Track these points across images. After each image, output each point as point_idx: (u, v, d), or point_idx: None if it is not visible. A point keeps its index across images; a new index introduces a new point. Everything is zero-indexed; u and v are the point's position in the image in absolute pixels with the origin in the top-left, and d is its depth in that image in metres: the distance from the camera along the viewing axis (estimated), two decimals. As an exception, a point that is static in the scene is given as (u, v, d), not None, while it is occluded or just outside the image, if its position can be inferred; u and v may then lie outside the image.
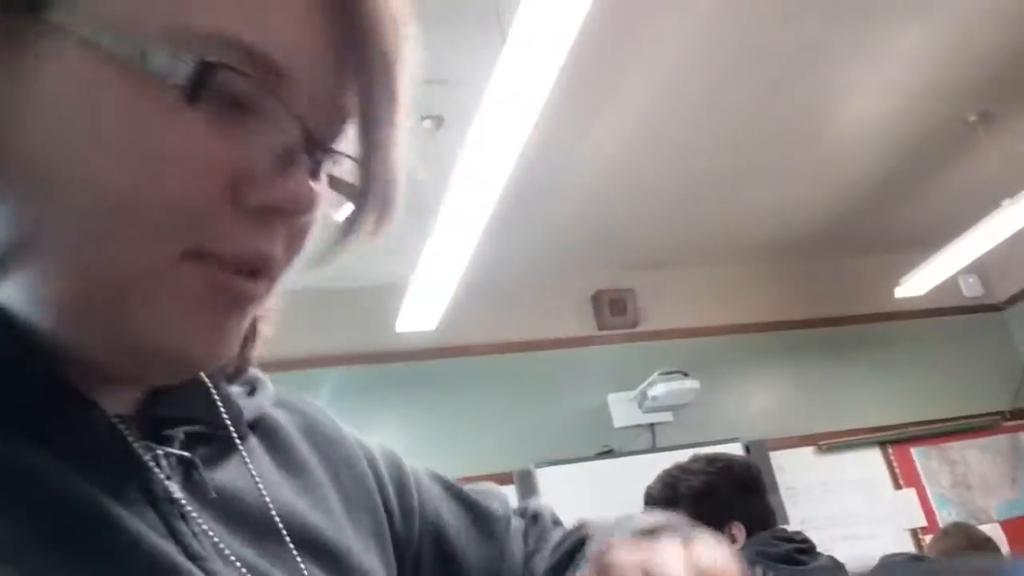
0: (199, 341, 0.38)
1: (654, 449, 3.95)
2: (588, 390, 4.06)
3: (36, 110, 0.35)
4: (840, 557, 1.81)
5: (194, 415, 0.44)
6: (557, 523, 0.67)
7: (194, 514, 0.40)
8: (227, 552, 0.41)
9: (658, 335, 4.30)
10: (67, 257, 0.35)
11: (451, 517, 0.60)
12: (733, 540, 1.76)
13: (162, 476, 0.40)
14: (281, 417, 0.53)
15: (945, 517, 4.16)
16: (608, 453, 3.93)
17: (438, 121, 2.87)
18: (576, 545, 0.60)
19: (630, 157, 3.43)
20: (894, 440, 4.39)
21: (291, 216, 0.38)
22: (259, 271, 0.39)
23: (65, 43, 0.34)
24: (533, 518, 0.66)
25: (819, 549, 1.77)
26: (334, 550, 0.49)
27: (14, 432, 0.35)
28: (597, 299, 4.29)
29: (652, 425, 4.03)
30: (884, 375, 4.50)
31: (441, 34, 2.39)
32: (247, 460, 0.47)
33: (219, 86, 0.35)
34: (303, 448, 0.52)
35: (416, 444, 3.69)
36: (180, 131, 0.35)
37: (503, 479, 3.75)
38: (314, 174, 0.39)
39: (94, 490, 0.36)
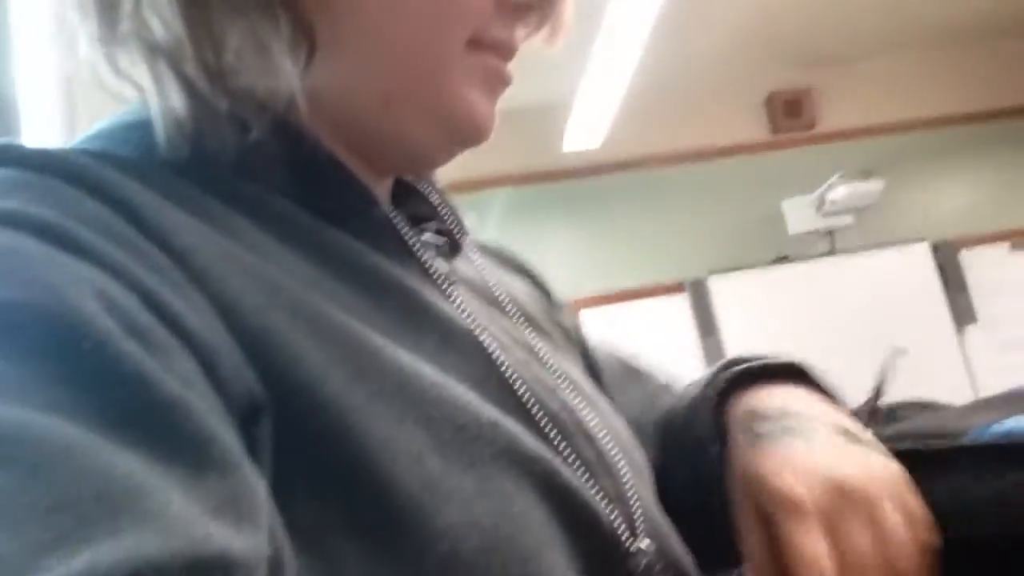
0: (487, 117, 0.47)
1: (832, 253, 3.84)
2: (761, 197, 3.92)
3: None
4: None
5: (433, 216, 0.52)
6: None
7: (457, 296, 0.47)
8: (486, 325, 0.47)
9: (838, 136, 4.06)
10: (386, 48, 0.44)
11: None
12: None
13: (426, 258, 0.48)
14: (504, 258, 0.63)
15: None
16: (784, 259, 3.85)
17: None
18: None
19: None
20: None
21: (541, 11, 0.48)
22: (510, 61, 0.48)
23: None
24: None
25: (1015, 348, 1.76)
26: (564, 346, 0.57)
27: (323, 216, 0.43)
28: (770, 102, 4.07)
29: (831, 230, 3.88)
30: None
31: None
32: (473, 259, 0.55)
33: None
34: (503, 271, 0.60)
35: (586, 260, 3.74)
36: None
37: (674, 289, 3.78)
38: None
39: (388, 263, 0.44)
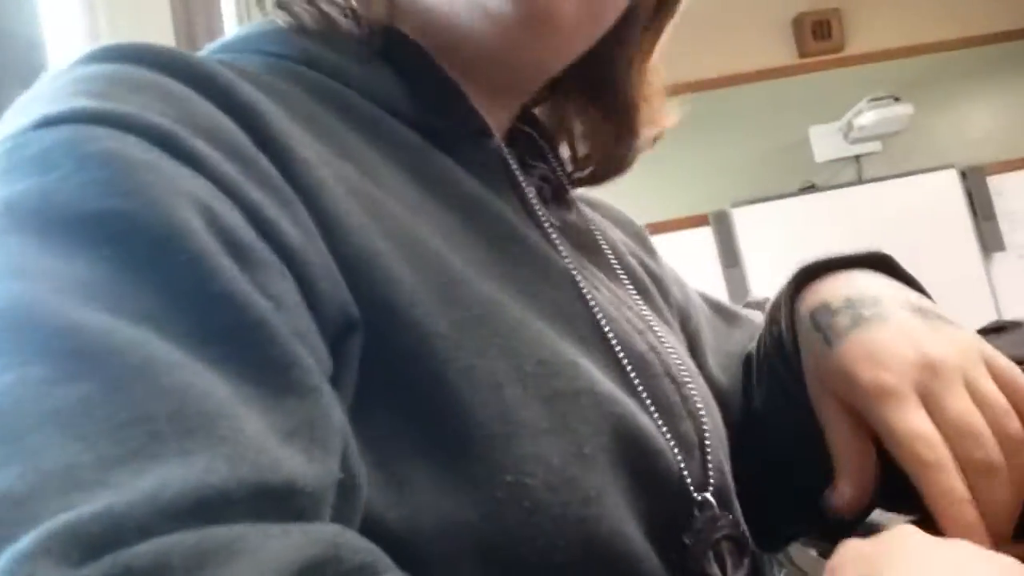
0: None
1: (860, 182, 3.77)
2: (787, 124, 3.84)
3: None
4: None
5: (542, 160, 0.53)
6: None
7: (555, 236, 0.48)
8: (581, 266, 0.48)
9: (866, 59, 3.94)
10: None
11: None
12: None
13: (530, 195, 0.48)
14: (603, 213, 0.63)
15: None
16: (810, 188, 3.78)
17: None
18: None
19: None
20: None
21: None
22: None
23: None
24: None
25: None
26: (655, 293, 0.57)
27: (435, 142, 0.44)
28: (798, 23, 3.95)
29: (858, 157, 3.81)
30: None
31: None
32: (576, 206, 0.55)
33: None
34: (616, 236, 0.60)
35: (605, 191, 3.69)
36: None
37: (697, 221, 3.73)
38: None
39: (491, 194, 0.45)
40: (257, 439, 0.25)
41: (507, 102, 0.51)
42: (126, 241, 0.28)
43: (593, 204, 0.63)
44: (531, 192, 0.48)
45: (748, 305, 0.68)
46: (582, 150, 0.59)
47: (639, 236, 0.65)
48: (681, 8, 0.58)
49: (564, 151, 0.58)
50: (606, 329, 0.44)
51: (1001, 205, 3.82)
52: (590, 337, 0.44)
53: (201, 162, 0.32)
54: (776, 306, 0.55)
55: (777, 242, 3.65)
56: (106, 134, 0.31)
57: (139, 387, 0.25)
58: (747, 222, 3.71)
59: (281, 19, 0.44)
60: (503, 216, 0.44)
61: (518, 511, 0.35)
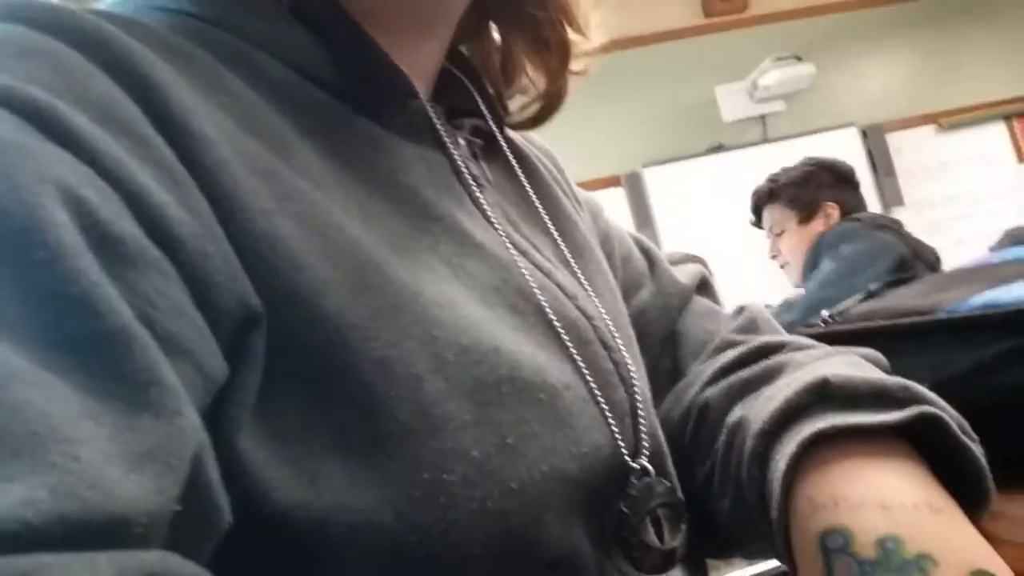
0: None
1: (766, 140, 3.85)
2: (694, 84, 3.89)
3: None
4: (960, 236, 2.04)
5: (472, 109, 0.50)
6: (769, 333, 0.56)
7: (483, 196, 0.46)
8: (511, 230, 0.46)
9: (771, 18, 4.01)
10: None
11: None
12: (828, 219, 2.01)
13: (458, 157, 0.46)
14: (528, 147, 0.57)
15: (1071, 186, 4.00)
16: (718, 148, 3.85)
17: None
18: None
19: None
20: (1020, 113, 4.15)
21: None
22: None
23: None
24: (740, 311, 0.59)
25: (940, 230, 2.01)
26: (591, 251, 0.53)
27: (354, 106, 0.42)
28: (703, -16, 4.00)
29: (763, 116, 3.89)
30: (1015, 43, 4.16)
31: None
32: (511, 158, 0.52)
33: None
34: (548, 176, 0.56)
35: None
36: None
37: (610, 182, 3.76)
38: None
39: (413, 162, 0.43)
40: (93, 467, 0.23)
41: (428, 43, 0.48)
42: None
43: (525, 138, 0.59)
44: (462, 152, 0.46)
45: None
46: (515, 87, 0.56)
47: (557, 166, 0.62)
48: None
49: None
50: (539, 297, 0.43)
51: (900, 162, 3.95)
52: (521, 306, 0.42)
53: (80, 142, 0.29)
54: (762, 455, 0.42)
55: (688, 202, 3.71)
56: None
57: None
58: (658, 182, 3.75)
59: None
60: (425, 188, 0.42)
61: (434, 508, 0.33)
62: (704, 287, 0.64)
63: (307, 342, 0.33)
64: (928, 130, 4.08)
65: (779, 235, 2.10)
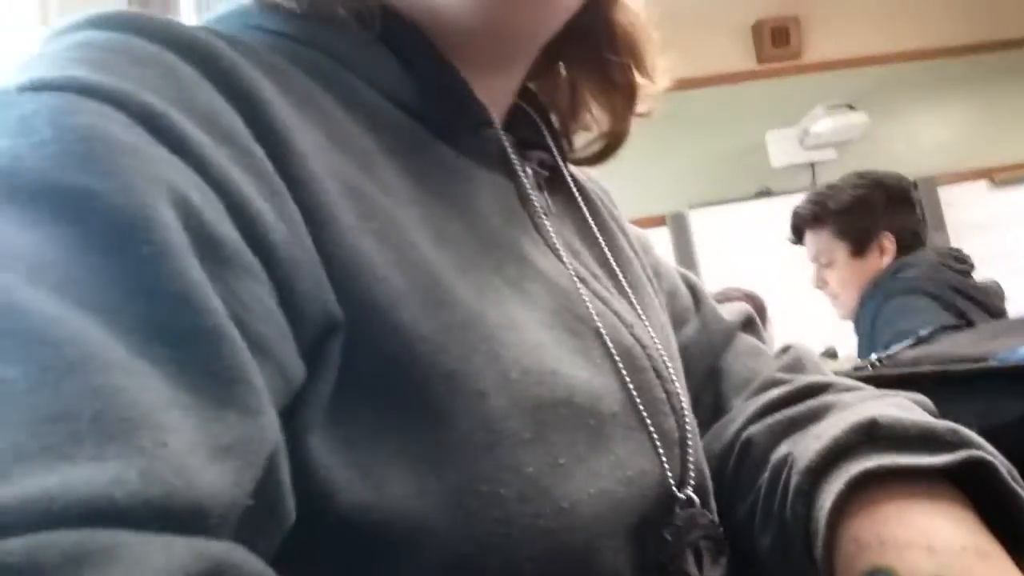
0: None
1: (815, 188, 3.82)
2: (745, 129, 3.88)
3: None
4: (1011, 292, 1.78)
5: (542, 144, 0.52)
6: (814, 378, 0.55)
7: (548, 223, 0.48)
8: (572, 258, 0.48)
9: (824, 66, 4.00)
10: None
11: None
12: (883, 251, 1.74)
13: (527, 185, 0.48)
14: (587, 183, 0.59)
15: None
16: (765, 193, 3.83)
17: None
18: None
19: None
20: (1079, 170, 4.08)
21: None
22: None
23: None
24: (784, 351, 0.59)
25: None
26: (644, 284, 0.54)
27: (433, 130, 0.44)
28: (758, 29, 3.99)
29: (813, 164, 3.86)
30: (1072, 101, 4.10)
31: None
32: (574, 190, 0.54)
33: None
34: (605, 211, 0.57)
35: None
36: None
37: (655, 222, 3.75)
38: None
39: (486, 189, 0.45)
40: (179, 455, 0.24)
41: (504, 79, 0.50)
42: (90, 222, 0.27)
43: (582, 180, 0.60)
44: (528, 182, 0.48)
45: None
46: (579, 124, 0.58)
47: (612, 202, 0.63)
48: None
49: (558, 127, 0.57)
50: (596, 322, 0.44)
51: (951, 216, 3.90)
52: (580, 330, 0.43)
53: (189, 148, 0.30)
54: (808, 493, 0.42)
55: (732, 245, 3.69)
56: (94, 108, 0.29)
57: (69, 382, 0.23)
58: (703, 224, 3.74)
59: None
60: (493, 213, 0.44)
61: (489, 521, 0.34)
62: (749, 325, 0.64)
63: (380, 352, 0.34)
64: (981, 185, 4.03)
65: (826, 265, 1.86)
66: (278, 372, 0.30)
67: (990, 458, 0.40)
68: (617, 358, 0.43)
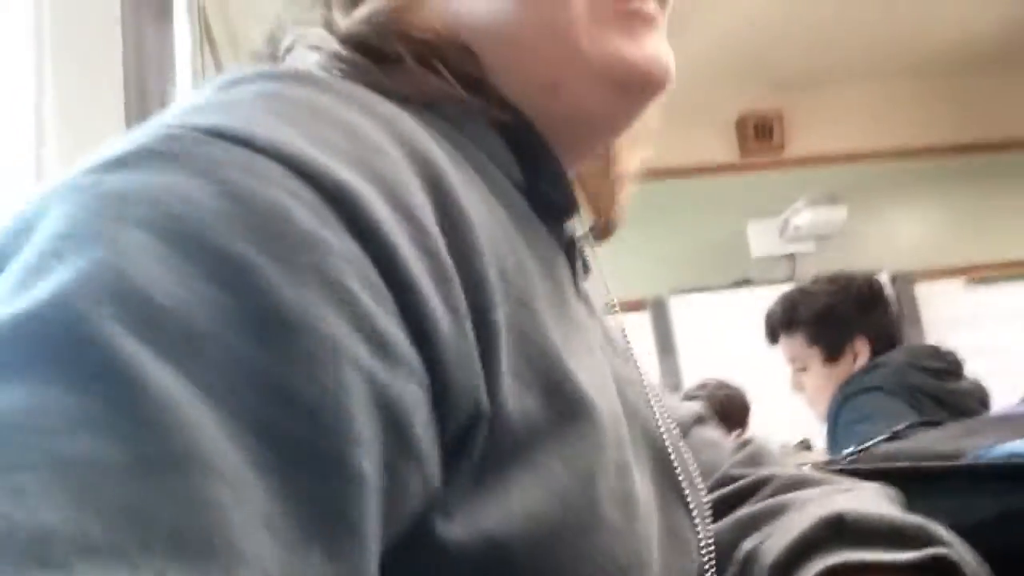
0: (644, 59, 0.44)
1: (793, 279, 3.87)
2: (727, 219, 3.95)
3: None
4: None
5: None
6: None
7: (588, 313, 0.47)
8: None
9: (806, 161, 4.10)
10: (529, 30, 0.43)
11: None
12: (856, 356, 1.75)
13: (579, 279, 0.48)
14: None
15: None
16: (745, 283, 3.87)
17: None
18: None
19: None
20: (1053, 273, 4.16)
21: None
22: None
23: None
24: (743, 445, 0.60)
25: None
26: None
27: (535, 209, 0.44)
28: (742, 124, 4.10)
29: (793, 255, 3.92)
30: (1050, 205, 4.21)
31: None
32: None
33: None
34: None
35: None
36: None
37: (635, 306, 3.77)
38: None
39: (561, 271, 0.44)
40: None
41: (573, 165, 0.50)
42: (245, 301, 0.24)
43: None
44: (579, 273, 0.49)
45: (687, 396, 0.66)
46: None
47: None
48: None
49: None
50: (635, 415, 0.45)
51: (927, 313, 3.94)
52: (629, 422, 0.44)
53: (372, 236, 0.28)
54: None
55: (712, 332, 3.71)
56: (282, 180, 0.27)
57: (162, 479, 0.21)
58: (683, 311, 3.76)
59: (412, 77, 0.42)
60: (572, 298, 0.44)
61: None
62: (702, 421, 0.64)
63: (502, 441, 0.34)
64: (957, 283, 4.09)
65: (801, 370, 1.88)
66: (422, 478, 0.28)
67: (956, 557, 0.39)
68: (672, 459, 0.45)
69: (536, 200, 0.44)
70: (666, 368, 3.69)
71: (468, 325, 0.31)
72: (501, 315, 0.33)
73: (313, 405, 0.24)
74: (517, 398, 0.33)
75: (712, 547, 0.45)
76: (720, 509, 0.52)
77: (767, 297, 3.76)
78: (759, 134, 4.07)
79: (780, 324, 1.86)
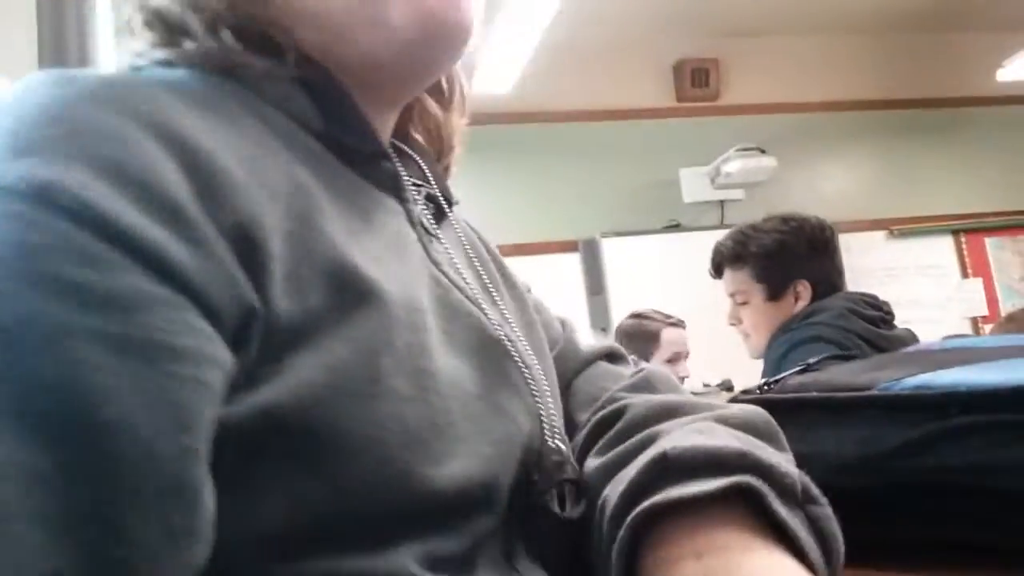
0: (440, 8, 0.46)
1: (722, 226, 3.92)
2: (660, 164, 3.97)
3: None
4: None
5: (426, 181, 0.56)
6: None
7: (432, 245, 0.51)
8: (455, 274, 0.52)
9: (739, 110, 4.14)
10: None
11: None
12: (797, 297, 1.78)
13: (416, 212, 0.52)
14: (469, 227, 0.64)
15: (1009, 308, 4.14)
16: (675, 227, 3.92)
17: None
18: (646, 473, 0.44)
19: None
20: (969, 229, 4.30)
21: None
22: None
23: None
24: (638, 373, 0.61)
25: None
26: (522, 300, 0.59)
27: (338, 156, 0.48)
28: (679, 69, 4.10)
29: (722, 202, 3.98)
30: (969, 162, 4.34)
31: None
32: (455, 225, 0.58)
33: None
34: (484, 249, 0.62)
35: (482, 209, 3.67)
36: None
37: (568, 247, 3.80)
38: None
39: (380, 202, 0.49)
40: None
41: (390, 116, 0.54)
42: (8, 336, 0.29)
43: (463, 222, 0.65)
44: (415, 208, 0.52)
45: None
46: (450, 161, 0.64)
47: (494, 248, 0.66)
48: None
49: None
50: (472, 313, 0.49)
51: (849, 261, 4.04)
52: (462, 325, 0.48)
53: (83, 212, 0.32)
54: (609, 541, 0.44)
55: (641, 274, 3.75)
56: (28, 216, 0.31)
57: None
58: (614, 252, 3.79)
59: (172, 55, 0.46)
60: (391, 224, 0.48)
61: (369, 461, 0.37)
62: (614, 357, 0.65)
63: (284, 328, 0.38)
64: (879, 235, 4.21)
65: (742, 304, 1.89)
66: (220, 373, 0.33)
67: (758, 484, 0.41)
68: (481, 346, 0.48)
69: (337, 145, 0.48)
70: (595, 307, 3.73)
71: (223, 247, 0.35)
72: (274, 232, 0.38)
73: (54, 381, 0.29)
74: (294, 296, 0.37)
75: (553, 418, 0.50)
76: (593, 431, 0.54)
77: (696, 241, 3.85)
78: (695, 81, 4.08)
79: (729, 257, 1.86)
